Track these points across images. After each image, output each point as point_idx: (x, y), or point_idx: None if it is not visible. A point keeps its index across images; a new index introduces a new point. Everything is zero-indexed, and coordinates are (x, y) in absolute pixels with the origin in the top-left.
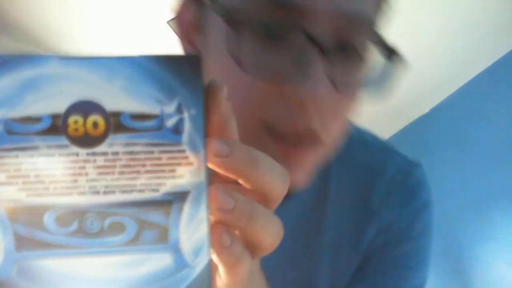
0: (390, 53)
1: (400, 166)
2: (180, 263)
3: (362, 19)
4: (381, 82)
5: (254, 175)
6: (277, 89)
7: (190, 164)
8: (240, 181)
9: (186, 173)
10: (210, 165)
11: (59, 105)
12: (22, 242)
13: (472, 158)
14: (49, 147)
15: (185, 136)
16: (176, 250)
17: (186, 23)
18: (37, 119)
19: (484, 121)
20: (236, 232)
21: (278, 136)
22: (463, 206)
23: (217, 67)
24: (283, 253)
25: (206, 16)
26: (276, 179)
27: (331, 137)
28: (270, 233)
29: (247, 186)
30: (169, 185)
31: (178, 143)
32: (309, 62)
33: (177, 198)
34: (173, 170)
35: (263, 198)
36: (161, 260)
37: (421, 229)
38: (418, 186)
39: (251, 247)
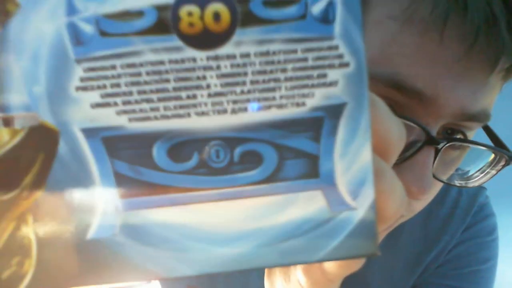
0: (500, 148)
1: (462, 189)
2: (337, 204)
3: (484, 116)
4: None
5: (372, 118)
6: None
7: (346, 65)
8: None
9: (340, 79)
10: None
11: None
12: (126, 186)
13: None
14: (155, 51)
15: (337, 27)
16: (330, 186)
17: None
18: (137, 14)
19: None
20: None
21: None
22: None
23: None
24: None
25: None
26: (393, 128)
27: (412, 213)
28: (396, 197)
29: None
30: (318, 96)
31: (329, 36)
32: (418, 153)
33: (329, 114)
34: (324, 75)
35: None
36: (311, 201)
37: (483, 255)
38: (481, 210)
39: None
